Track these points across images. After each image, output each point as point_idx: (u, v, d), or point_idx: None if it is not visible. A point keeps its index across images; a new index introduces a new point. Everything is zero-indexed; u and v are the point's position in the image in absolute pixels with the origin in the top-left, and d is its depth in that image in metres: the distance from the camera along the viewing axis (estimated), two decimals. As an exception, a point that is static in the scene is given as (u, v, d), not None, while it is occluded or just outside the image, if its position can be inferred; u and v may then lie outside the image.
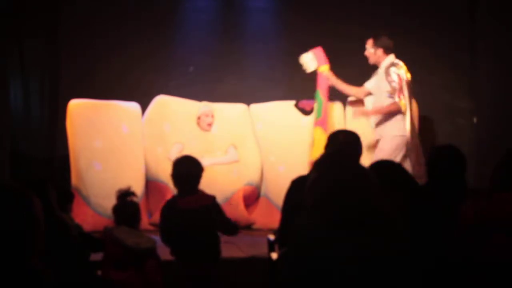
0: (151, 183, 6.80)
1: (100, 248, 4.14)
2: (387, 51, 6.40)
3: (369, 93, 6.61)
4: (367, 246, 2.30)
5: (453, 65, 7.77)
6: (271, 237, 4.64)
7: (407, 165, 6.08)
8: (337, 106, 7.03)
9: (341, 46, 7.12)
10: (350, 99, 6.96)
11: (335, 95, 7.03)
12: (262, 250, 5.05)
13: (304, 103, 7.07)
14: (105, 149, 6.63)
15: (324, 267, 2.29)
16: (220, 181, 6.63)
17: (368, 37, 6.53)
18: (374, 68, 6.57)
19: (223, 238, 4.49)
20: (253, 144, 7.09)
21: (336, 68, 6.73)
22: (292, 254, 2.41)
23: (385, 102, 6.33)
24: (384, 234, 2.35)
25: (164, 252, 4.33)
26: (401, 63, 6.35)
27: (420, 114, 7.01)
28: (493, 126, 7.47)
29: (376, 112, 6.39)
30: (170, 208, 4.36)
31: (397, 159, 6.10)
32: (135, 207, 4.26)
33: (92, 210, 6.48)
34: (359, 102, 6.78)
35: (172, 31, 7.83)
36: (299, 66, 6.70)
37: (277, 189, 6.41)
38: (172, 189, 5.64)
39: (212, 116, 7.02)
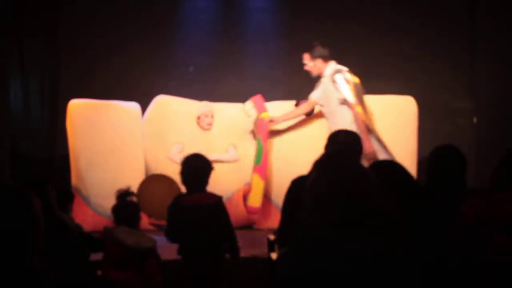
0: (151, 183, 6.80)
1: (100, 248, 4.13)
2: (325, 59, 6.34)
3: (316, 104, 6.57)
4: (367, 246, 2.30)
5: (453, 65, 7.77)
6: (271, 237, 4.64)
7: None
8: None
9: (341, 46, 7.11)
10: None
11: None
12: (262, 250, 5.05)
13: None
14: (105, 149, 6.63)
15: (324, 267, 2.29)
16: (220, 181, 6.63)
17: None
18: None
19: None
20: (253, 144, 7.08)
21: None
22: (292, 254, 2.41)
23: (337, 110, 6.26)
24: (384, 234, 2.34)
25: (164, 252, 4.33)
26: (344, 68, 6.31)
27: (420, 114, 7.01)
28: (493, 126, 7.48)
29: (284, 118, 6.43)
30: (175, 206, 4.35)
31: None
32: (134, 207, 4.26)
33: (92, 210, 6.48)
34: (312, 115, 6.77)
35: (172, 31, 7.84)
36: (299, 66, 6.70)
37: (277, 189, 6.41)
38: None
39: (212, 116, 7.02)
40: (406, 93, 7.07)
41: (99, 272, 4.07)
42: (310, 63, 6.37)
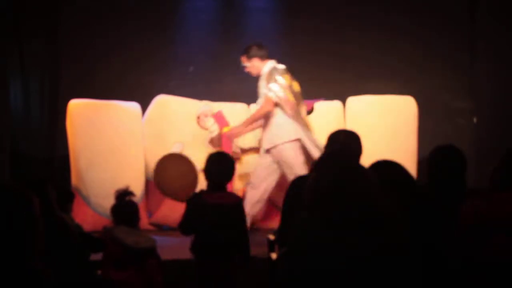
0: (151, 183, 6.79)
1: (100, 248, 4.13)
2: (262, 58, 6.28)
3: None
4: (367, 246, 2.30)
5: (453, 65, 7.77)
6: (271, 237, 4.64)
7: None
8: (336, 106, 7.03)
9: (341, 46, 7.12)
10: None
11: (334, 94, 7.04)
12: (262, 250, 5.05)
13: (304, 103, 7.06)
14: (105, 149, 6.63)
15: (324, 267, 2.29)
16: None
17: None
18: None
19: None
20: (253, 144, 7.09)
21: (336, 69, 6.74)
22: (292, 254, 2.41)
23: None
24: (384, 234, 2.34)
25: (164, 252, 4.33)
26: (282, 67, 6.25)
27: (420, 114, 7.01)
28: (493, 126, 7.48)
29: (247, 123, 6.37)
30: (196, 202, 4.30)
31: (300, 166, 6.04)
32: (133, 206, 4.26)
33: (92, 210, 6.49)
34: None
35: (172, 31, 7.84)
36: (299, 66, 6.70)
37: (277, 189, 6.40)
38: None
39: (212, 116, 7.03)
40: (406, 93, 7.07)
41: (99, 272, 4.07)
42: (248, 64, 6.35)
